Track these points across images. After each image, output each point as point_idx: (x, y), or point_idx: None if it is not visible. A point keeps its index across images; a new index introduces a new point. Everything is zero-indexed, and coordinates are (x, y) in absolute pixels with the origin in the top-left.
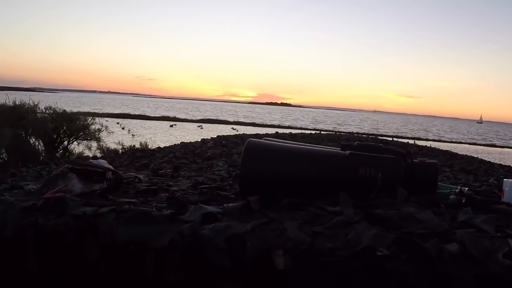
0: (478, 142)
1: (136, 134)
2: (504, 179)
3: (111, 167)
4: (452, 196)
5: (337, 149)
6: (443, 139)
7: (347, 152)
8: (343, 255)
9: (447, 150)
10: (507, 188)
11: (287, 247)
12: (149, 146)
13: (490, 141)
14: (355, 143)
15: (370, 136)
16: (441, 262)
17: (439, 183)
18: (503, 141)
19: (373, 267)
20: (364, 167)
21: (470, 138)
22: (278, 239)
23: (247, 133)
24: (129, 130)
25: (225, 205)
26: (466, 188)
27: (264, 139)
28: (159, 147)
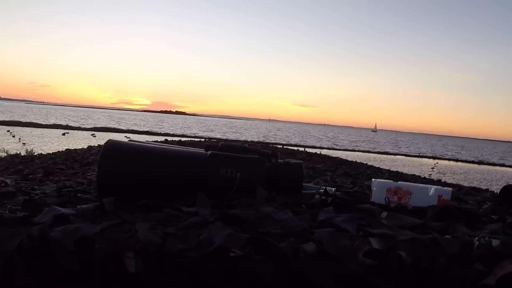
0: (372, 150)
1: (27, 143)
2: (373, 179)
3: None
4: (317, 196)
5: (201, 150)
6: (336, 147)
7: (209, 152)
8: (195, 256)
9: (337, 157)
10: (374, 188)
11: (137, 248)
12: (36, 154)
13: (383, 148)
14: (219, 143)
15: (260, 144)
16: (297, 262)
17: (306, 184)
18: (395, 148)
19: (226, 268)
20: (225, 167)
21: (364, 146)
22: (128, 240)
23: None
24: (19, 138)
25: (78, 206)
26: (333, 189)
27: (128, 141)
28: (40, 154)
